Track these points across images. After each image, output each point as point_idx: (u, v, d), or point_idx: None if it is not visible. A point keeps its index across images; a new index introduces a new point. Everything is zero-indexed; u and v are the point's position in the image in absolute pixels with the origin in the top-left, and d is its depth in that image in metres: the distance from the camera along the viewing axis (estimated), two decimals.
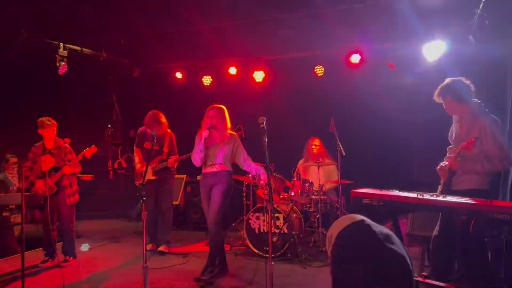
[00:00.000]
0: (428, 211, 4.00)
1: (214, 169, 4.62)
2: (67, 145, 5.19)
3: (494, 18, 5.04)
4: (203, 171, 4.73)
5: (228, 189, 4.62)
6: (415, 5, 5.52)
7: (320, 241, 5.67)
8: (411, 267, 1.24)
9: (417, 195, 3.28)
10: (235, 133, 4.81)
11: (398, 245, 1.24)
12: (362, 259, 1.21)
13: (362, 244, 1.24)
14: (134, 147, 6.10)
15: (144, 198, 3.59)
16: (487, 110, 3.68)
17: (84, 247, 5.14)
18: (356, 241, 1.26)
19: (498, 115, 5.73)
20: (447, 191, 3.58)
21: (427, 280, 3.48)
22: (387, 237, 1.24)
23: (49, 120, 5.12)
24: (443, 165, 3.70)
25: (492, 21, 4.96)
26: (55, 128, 5.17)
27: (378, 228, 1.28)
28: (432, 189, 3.70)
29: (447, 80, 3.78)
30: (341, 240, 1.29)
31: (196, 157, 4.67)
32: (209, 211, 4.57)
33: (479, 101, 3.69)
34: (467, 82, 3.69)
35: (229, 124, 4.73)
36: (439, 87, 3.79)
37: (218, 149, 4.64)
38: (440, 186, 3.73)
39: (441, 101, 3.80)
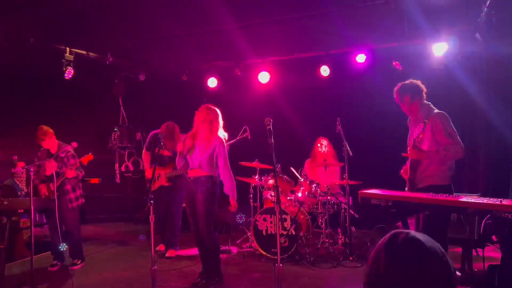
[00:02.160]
0: (438, 211, 3.97)
1: (195, 174, 4.41)
2: (70, 149, 5.22)
3: (502, 16, 4.99)
4: (188, 174, 4.48)
5: (211, 196, 4.36)
6: (422, 4, 5.48)
7: (327, 242, 5.65)
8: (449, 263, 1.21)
9: (427, 195, 3.26)
10: (223, 138, 4.48)
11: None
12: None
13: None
14: (144, 150, 6.10)
15: (152, 202, 3.58)
16: (433, 107, 3.90)
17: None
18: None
19: (507, 113, 5.72)
20: (412, 189, 3.82)
21: None
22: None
23: (41, 130, 5.14)
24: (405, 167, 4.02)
25: (499, 19, 4.91)
26: (49, 136, 5.18)
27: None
28: None
29: (413, 82, 3.95)
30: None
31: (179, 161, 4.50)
32: (198, 223, 4.37)
33: (428, 102, 3.94)
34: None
35: (218, 127, 4.44)
36: (407, 87, 3.93)
37: (197, 151, 4.40)
38: (406, 188, 3.93)
39: (403, 100, 3.95)
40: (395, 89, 3.99)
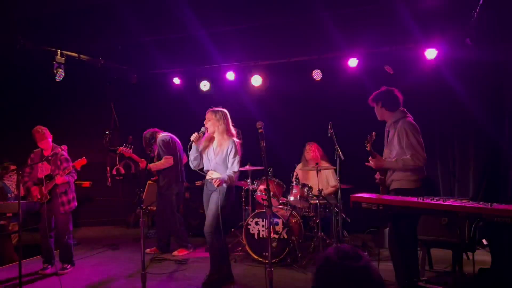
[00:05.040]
0: (428, 215, 3.98)
1: (211, 176, 4.51)
2: (64, 152, 5.15)
3: (492, 22, 5.04)
4: (206, 177, 4.62)
5: (225, 196, 4.39)
6: (413, 9, 5.52)
7: (320, 246, 5.64)
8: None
9: (417, 199, 3.27)
10: (235, 139, 4.57)
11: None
12: None
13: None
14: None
15: (142, 206, 3.57)
16: (408, 115, 3.96)
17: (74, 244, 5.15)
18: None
19: (497, 118, 5.76)
20: (385, 191, 3.97)
21: (428, 285, 3.46)
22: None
23: (39, 131, 5.09)
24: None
25: (490, 24, 4.96)
26: (47, 136, 5.13)
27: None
28: (432, 193, 3.70)
29: (382, 89, 4.09)
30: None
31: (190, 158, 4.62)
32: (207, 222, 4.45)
33: (404, 109, 4.01)
34: (398, 93, 4.04)
35: (228, 128, 4.56)
36: (375, 93, 4.11)
37: (212, 154, 4.52)
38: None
39: (373, 106, 4.15)
40: (376, 92, 4.09)
